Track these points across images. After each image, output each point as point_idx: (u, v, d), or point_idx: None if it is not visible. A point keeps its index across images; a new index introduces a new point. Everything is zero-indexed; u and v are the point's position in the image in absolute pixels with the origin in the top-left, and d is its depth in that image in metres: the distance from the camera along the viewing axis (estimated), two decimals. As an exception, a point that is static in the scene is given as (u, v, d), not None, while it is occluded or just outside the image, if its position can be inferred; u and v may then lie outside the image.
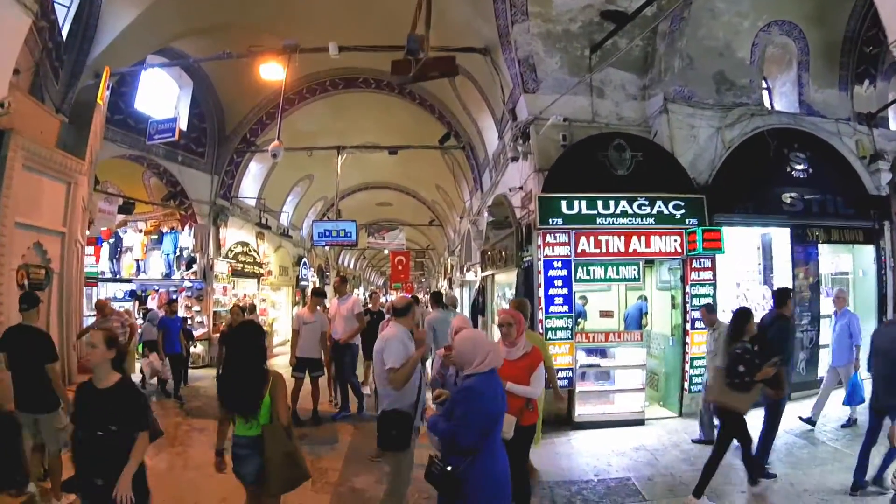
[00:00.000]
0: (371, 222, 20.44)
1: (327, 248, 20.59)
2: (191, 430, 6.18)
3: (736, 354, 4.00)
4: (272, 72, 7.35)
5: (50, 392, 3.83)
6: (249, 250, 13.41)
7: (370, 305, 8.60)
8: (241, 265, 12.86)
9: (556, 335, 6.27)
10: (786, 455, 4.96)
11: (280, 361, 10.28)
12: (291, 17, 8.36)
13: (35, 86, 5.79)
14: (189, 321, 10.08)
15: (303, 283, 17.42)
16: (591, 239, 6.38)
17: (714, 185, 6.80)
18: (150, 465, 2.89)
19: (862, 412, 5.35)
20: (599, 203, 6.37)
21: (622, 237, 6.40)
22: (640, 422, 6.13)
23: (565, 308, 6.35)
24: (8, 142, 4.91)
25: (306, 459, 3.09)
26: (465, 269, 14.72)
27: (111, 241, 11.39)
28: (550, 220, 6.30)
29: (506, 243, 8.08)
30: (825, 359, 6.51)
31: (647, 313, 7.91)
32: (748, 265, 7.47)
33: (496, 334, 4.27)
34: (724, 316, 6.05)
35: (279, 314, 15.96)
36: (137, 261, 12.00)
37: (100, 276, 10.49)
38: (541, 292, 6.36)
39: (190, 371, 8.95)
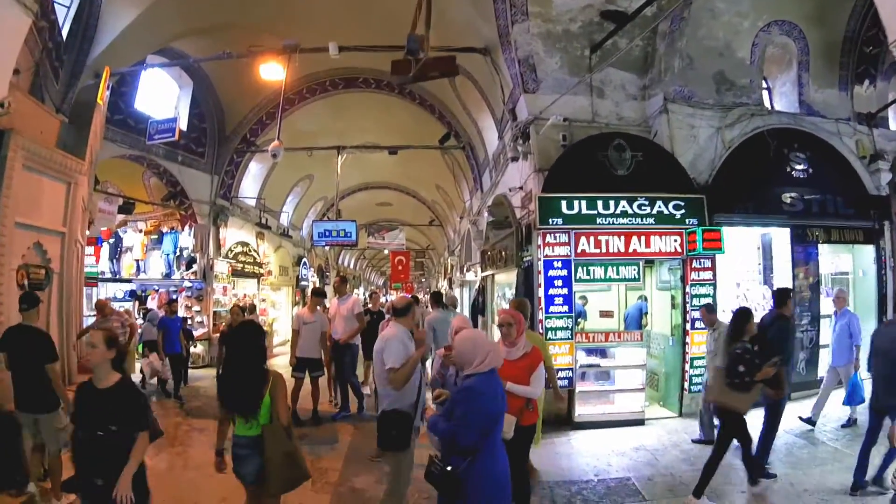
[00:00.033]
0: (371, 222, 20.45)
1: (327, 248, 20.59)
2: (191, 430, 6.18)
3: (736, 354, 4.00)
4: (272, 72, 7.35)
5: (50, 392, 3.83)
6: (249, 250, 13.41)
7: (370, 305, 8.60)
8: (241, 265, 12.86)
9: (556, 335, 6.27)
10: (786, 455, 4.96)
11: (280, 361, 10.27)
12: (291, 17, 8.36)
13: (35, 86, 5.79)
14: (189, 321, 10.08)
15: (303, 283, 17.41)
16: (591, 239, 6.38)
17: (714, 185, 6.80)
18: (150, 465, 2.89)
19: (862, 412, 5.35)
20: (599, 203, 6.37)
21: (622, 237, 6.39)
22: (640, 422, 6.13)
23: (565, 308, 6.35)
24: (8, 142, 4.91)
25: (306, 459, 3.08)
26: (465, 269, 14.73)
27: (111, 241, 11.39)
28: (550, 220, 6.30)
29: (506, 243, 8.08)
30: (825, 359, 6.51)
31: (647, 313, 7.91)
32: (748, 265, 7.47)
33: (496, 334, 4.27)
34: (724, 316, 6.06)
35: (279, 314, 15.96)
36: (137, 261, 12.00)
37: (100, 276, 10.49)
38: (541, 292, 6.36)
39: (190, 371, 8.95)
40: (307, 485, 3.21)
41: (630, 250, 6.41)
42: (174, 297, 10.12)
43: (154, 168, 10.34)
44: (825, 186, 7.23)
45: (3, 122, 4.72)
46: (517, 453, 3.20)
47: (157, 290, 11.03)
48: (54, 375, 3.89)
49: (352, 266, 31.24)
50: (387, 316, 6.06)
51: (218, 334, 9.19)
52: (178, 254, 11.57)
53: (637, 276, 6.55)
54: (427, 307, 8.46)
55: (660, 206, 6.45)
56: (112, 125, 8.59)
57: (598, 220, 6.36)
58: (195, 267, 11.24)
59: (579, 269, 6.41)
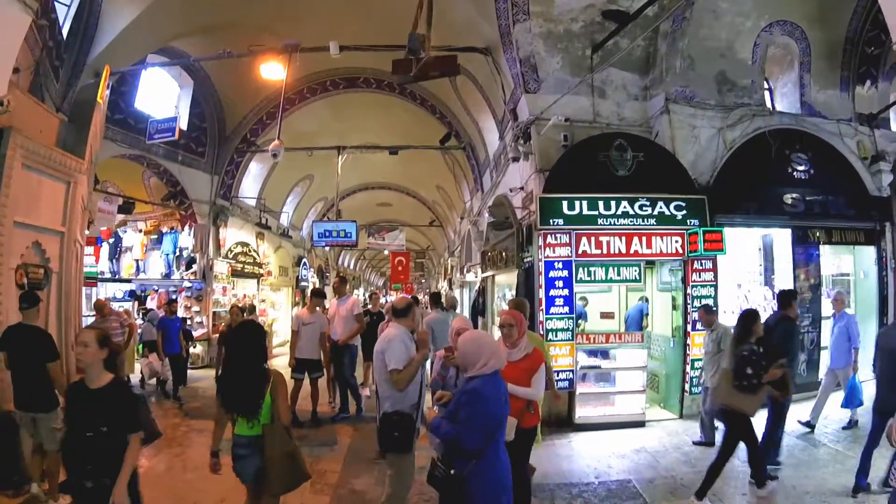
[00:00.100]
0: (371, 223, 20.43)
1: (327, 248, 20.57)
2: (190, 431, 6.16)
3: (743, 356, 3.97)
4: (272, 71, 7.34)
5: (49, 391, 3.81)
6: (249, 250, 13.39)
7: (370, 306, 8.59)
8: (241, 265, 12.84)
9: (556, 336, 6.25)
10: (787, 457, 4.94)
11: (280, 362, 10.25)
12: (292, 16, 8.34)
13: (35, 84, 5.76)
14: (188, 321, 10.06)
15: (302, 283, 17.39)
16: (592, 240, 6.36)
17: (715, 186, 6.78)
18: (149, 466, 2.88)
19: (863, 414, 5.33)
20: (601, 204, 6.35)
21: (623, 238, 6.38)
22: (640, 423, 6.12)
23: (566, 309, 6.33)
24: (7, 140, 4.88)
25: (305, 461, 3.06)
26: (465, 269, 14.71)
27: (111, 240, 11.38)
28: (551, 221, 6.28)
29: (506, 244, 8.06)
30: (826, 361, 6.49)
31: (647, 314, 7.88)
32: (749, 266, 7.46)
33: (496, 335, 4.25)
34: (726, 317, 6.04)
35: (279, 315, 15.94)
36: (137, 261, 11.99)
37: (99, 276, 10.48)
38: (541, 293, 6.34)
39: (189, 372, 8.92)
40: (306, 486, 3.19)
41: (631, 251, 6.39)
42: (174, 297, 10.11)
43: (154, 168, 10.32)
44: (826, 187, 7.22)
45: (2, 121, 4.69)
46: (518, 456, 3.18)
47: (157, 291, 11.01)
48: (56, 374, 3.87)
49: (352, 267, 31.23)
50: (386, 317, 6.03)
51: (217, 335, 9.18)
52: (177, 254, 11.55)
53: (638, 277, 6.53)
54: (426, 308, 8.44)
55: (661, 207, 6.43)
56: (112, 124, 8.57)
57: (600, 221, 6.34)
58: (195, 267, 11.22)
59: (580, 269, 6.39)
